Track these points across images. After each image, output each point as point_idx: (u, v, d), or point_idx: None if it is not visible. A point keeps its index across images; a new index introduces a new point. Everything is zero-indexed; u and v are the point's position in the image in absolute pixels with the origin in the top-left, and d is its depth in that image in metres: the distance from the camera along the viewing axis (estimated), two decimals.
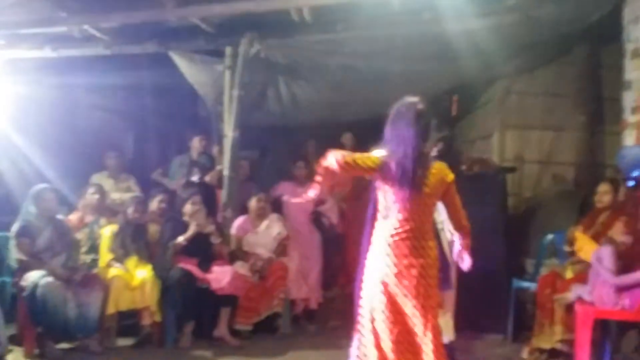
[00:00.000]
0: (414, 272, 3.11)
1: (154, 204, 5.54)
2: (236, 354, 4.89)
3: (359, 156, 3.16)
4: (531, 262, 5.63)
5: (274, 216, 5.77)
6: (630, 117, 5.21)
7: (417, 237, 3.15)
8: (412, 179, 3.10)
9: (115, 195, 6.04)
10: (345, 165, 3.10)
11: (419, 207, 3.15)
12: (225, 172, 5.87)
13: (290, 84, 6.26)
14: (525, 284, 5.32)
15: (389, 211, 3.17)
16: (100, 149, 6.46)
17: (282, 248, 5.70)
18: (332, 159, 3.12)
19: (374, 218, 3.27)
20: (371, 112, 6.20)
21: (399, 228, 3.14)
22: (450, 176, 3.23)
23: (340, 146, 6.62)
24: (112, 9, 5.48)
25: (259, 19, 5.61)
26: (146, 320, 5.01)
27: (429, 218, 3.23)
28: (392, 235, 3.15)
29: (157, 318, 5.02)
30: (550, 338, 4.71)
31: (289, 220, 5.84)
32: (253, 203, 5.72)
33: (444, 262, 4.10)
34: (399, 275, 3.12)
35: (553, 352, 4.72)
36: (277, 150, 7.10)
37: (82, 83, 6.56)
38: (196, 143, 6.38)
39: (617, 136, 5.48)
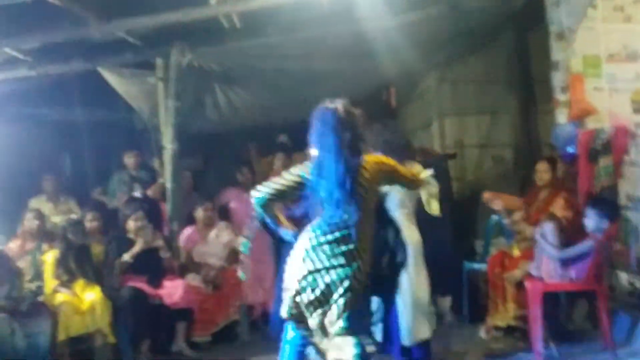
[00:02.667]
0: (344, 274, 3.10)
1: (87, 224, 5.40)
2: None
3: (280, 185, 3.21)
4: (480, 243, 5.76)
5: (222, 224, 5.70)
6: (560, 96, 5.39)
7: (355, 240, 3.13)
8: (342, 186, 3.10)
9: (56, 219, 5.85)
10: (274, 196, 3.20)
11: (358, 211, 3.13)
12: (168, 185, 5.76)
13: (226, 90, 6.21)
14: (476, 265, 5.44)
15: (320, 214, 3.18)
16: (36, 176, 6.25)
17: (234, 255, 5.63)
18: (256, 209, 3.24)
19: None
20: (308, 113, 6.25)
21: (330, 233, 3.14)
22: (383, 160, 3.31)
23: (280, 147, 6.64)
24: (32, 29, 5.28)
25: (187, 27, 5.53)
26: (99, 343, 4.86)
27: (369, 220, 3.22)
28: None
29: (111, 339, 4.88)
30: (504, 315, 4.83)
31: (238, 227, 5.77)
32: (200, 213, 5.64)
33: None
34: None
35: (509, 329, 4.84)
36: (220, 157, 7.03)
37: (11, 115, 6.31)
38: (129, 159, 6.25)
39: (550, 115, 5.67)
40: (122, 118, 6.83)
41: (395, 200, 4.13)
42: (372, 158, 3.30)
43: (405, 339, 4.05)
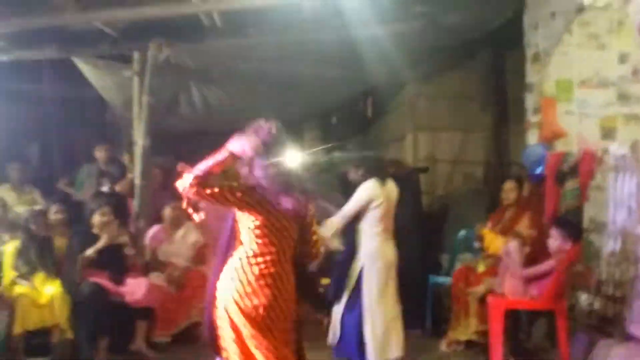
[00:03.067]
0: None
1: (51, 216, 5.29)
2: None
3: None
4: (446, 257, 5.80)
5: (189, 224, 5.64)
6: (532, 118, 5.48)
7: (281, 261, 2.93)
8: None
9: (19, 209, 5.73)
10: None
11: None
12: (137, 181, 5.69)
13: (202, 89, 6.18)
14: (441, 279, 5.48)
15: None
16: (2, 161, 6.11)
17: (200, 256, 5.57)
18: None
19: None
20: (283, 116, 6.23)
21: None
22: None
23: None
24: (7, 13, 5.19)
25: (167, 22, 5.49)
26: (57, 338, 4.77)
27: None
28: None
29: (69, 335, 4.78)
30: (466, 330, 4.88)
31: (205, 228, 5.72)
32: (168, 212, 5.57)
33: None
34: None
35: (469, 343, 4.88)
36: (193, 157, 6.94)
37: None
38: (99, 152, 6.15)
39: (522, 135, 5.75)
40: (93, 109, 6.73)
41: (373, 218, 4.19)
42: None
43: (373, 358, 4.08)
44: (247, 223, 2.89)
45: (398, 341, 4.24)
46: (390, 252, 4.30)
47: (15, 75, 5.97)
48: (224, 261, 2.97)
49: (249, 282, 2.84)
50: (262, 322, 2.84)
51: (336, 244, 4.48)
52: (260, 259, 2.86)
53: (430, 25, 5.46)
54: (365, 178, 4.28)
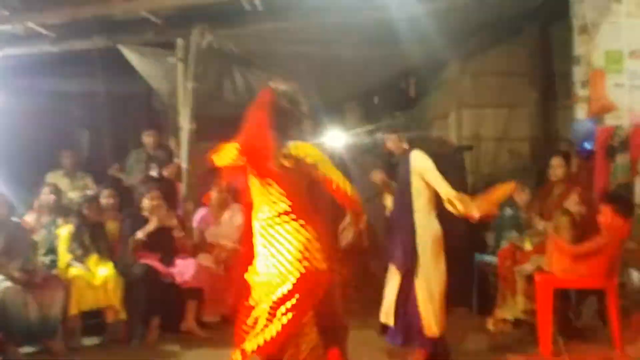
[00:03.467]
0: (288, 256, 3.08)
1: (103, 200, 5.46)
2: (205, 346, 4.85)
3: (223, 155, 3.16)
4: (492, 236, 5.73)
5: (236, 206, 5.72)
6: (580, 91, 5.35)
7: (291, 219, 3.09)
8: (262, 163, 3.07)
9: (73, 194, 5.92)
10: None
11: (286, 189, 3.11)
12: (183, 165, 5.80)
13: (245, 74, 6.23)
14: (487, 258, 5.43)
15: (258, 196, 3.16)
16: (55, 149, 6.31)
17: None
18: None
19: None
20: (325, 98, 6.25)
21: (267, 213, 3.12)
22: (312, 157, 3.16)
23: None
24: (56, 4, 5.34)
25: (209, 8, 5.55)
26: (110, 319, 4.93)
27: (299, 198, 3.15)
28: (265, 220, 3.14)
29: (122, 316, 4.94)
30: (513, 309, 4.82)
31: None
32: (214, 194, 5.67)
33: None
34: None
35: (517, 322, 4.83)
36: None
37: (32, 87, 6.37)
38: (147, 138, 6.29)
39: (569, 110, 5.62)
40: (140, 96, 6.88)
41: (425, 188, 4.14)
42: (302, 146, 3.19)
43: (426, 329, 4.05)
44: None
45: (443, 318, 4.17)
46: (433, 223, 4.22)
47: (67, 67, 6.13)
48: None
49: None
50: None
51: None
52: None
53: (474, 1, 5.36)
54: (410, 148, 4.21)
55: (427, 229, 4.15)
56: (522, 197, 5.19)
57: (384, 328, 4.35)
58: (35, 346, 4.76)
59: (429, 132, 6.82)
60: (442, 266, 4.15)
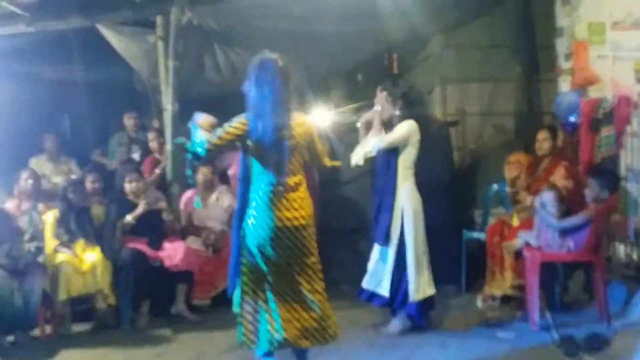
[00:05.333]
0: (291, 224, 3.28)
1: (87, 185, 5.39)
2: (196, 329, 4.86)
3: (224, 132, 3.33)
4: (479, 212, 5.78)
5: (222, 188, 5.68)
6: (564, 64, 5.35)
7: (291, 190, 3.29)
8: (273, 135, 3.25)
9: (57, 179, 5.82)
10: (215, 148, 3.32)
11: (290, 162, 3.32)
12: (168, 147, 5.72)
13: (227, 51, 6.12)
14: (475, 234, 5.47)
15: (263, 169, 3.31)
16: (35, 134, 6.19)
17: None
18: (199, 148, 3.31)
19: (245, 179, 3.40)
20: (310, 75, 6.18)
21: (272, 184, 3.28)
22: (311, 125, 3.47)
23: None
24: None
25: None
26: (100, 304, 4.90)
27: (300, 170, 3.39)
28: (267, 192, 3.28)
29: (112, 301, 4.92)
30: (501, 284, 4.87)
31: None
32: (200, 176, 5.61)
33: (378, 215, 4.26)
34: (279, 230, 3.28)
35: (505, 298, 4.89)
36: (221, 120, 6.94)
37: (10, 72, 6.19)
38: (128, 120, 6.18)
39: (553, 83, 5.62)
40: (121, 78, 6.74)
41: (409, 157, 4.28)
42: (302, 118, 3.44)
43: (413, 295, 4.19)
44: None
45: (430, 278, 4.34)
46: (419, 198, 4.33)
47: (45, 50, 5.97)
48: None
49: None
50: None
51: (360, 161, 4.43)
52: None
53: None
54: (404, 115, 4.29)
55: (410, 198, 4.27)
56: (512, 169, 5.20)
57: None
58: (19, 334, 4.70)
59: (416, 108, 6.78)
60: (422, 233, 4.33)
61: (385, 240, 4.27)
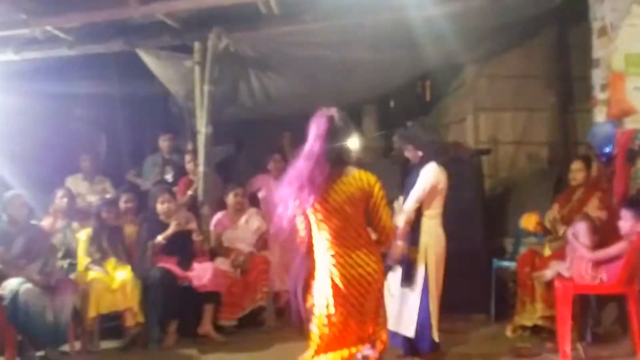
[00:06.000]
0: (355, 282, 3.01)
1: (121, 204, 5.49)
2: (222, 350, 4.86)
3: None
4: (510, 241, 5.70)
5: (252, 210, 5.74)
6: (600, 95, 5.28)
7: (347, 250, 3.01)
8: (314, 193, 2.95)
9: (91, 198, 5.96)
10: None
11: (339, 221, 3.00)
12: (201, 169, 5.81)
13: (261, 77, 6.23)
14: (506, 264, 5.39)
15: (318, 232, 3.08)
16: (73, 153, 6.35)
17: (262, 242, 5.67)
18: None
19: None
20: (343, 102, 6.22)
21: (328, 244, 3.04)
22: (371, 184, 3.00)
23: None
24: (74, 8, 5.36)
25: (226, 12, 5.56)
26: (129, 322, 4.95)
27: (353, 228, 3.02)
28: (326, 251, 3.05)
29: (140, 319, 4.97)
30: (532, 315, 4.78)
31: (268, 214, 5.81)
32: (230, 198, 5.68)
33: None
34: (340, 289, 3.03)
35: (535, 329, 4.79)
36: (253, 144, 7.06)
37: (49, 90, 6.41)
38: (163, 142, 6.30)
39: (588, 114, 5.56)
40: (157, 100, 6.90)
41: (436, 201, 4.18)
42: (363, 174, 3.03)
43: (436, 335, 4.10)
44: None
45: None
46: (444, 237, 4.24)
47: (84, 71, 6.17)
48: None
49: None
50: None
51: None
52: None
53: (490, 3, 5.33)
54: (424, 160, 4.23)
55: (434, 236, 4.16)
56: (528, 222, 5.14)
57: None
58: (49, 349, 4.75)
59: (444, 136, 6.77)
60: (441, 275, 4.20)
61: (409, 282, 4.16)
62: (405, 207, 4.15)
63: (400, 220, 4.10)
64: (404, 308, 4.21)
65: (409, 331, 4.16)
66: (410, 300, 4.18)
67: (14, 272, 4.70)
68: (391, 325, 4.18)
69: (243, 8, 5.47)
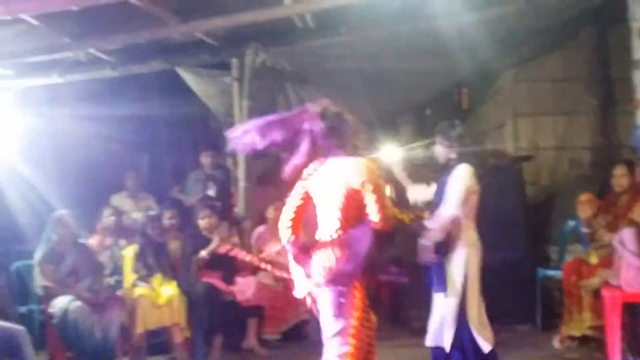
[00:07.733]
0: None
1: (165, 221, 5.60)
2: None
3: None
4: (555, 249, 5.61)
5: None
6: None
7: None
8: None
9: (136, 215, 6.09)
10: None
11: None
12: (241, 184, 5.89)
13: (299, 90, 6.29)
14: (551, 272, 5.31)
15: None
16: (116, 172, 6.51)
17: None
18: None
19: None
20: (378, 112, 6.25)
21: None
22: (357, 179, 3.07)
23: None
24: (115, 30, 5.51)
25: (262, 28, 5.64)
26: (177, 338, 5.00)
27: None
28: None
29: (187, 334, 5.04)
30: (579, 325, 4.70)
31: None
32: (271, 212, 5.73)
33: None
34: None
35: (584, 339, 4.70)
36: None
37: (93, 114, 6.57)
38: (205, 159, 6.41)
39: (631, 116, 5.44)
40: (198, 117, 7.02)
41: (470, 205, 4.04)
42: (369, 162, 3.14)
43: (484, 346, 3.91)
44: None
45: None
46: (473, 236, 4.01)
47: (126, 91, 6.32)
48: None
49: None
50: None
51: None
52: None
53: (527, 6, 5.27)
54: (459, 160, 4.05)
55: (469, 242, 3.98)
56: (585, 208, 5.03)
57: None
58: None
59: (483, 143, 6.67)
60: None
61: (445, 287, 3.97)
62: (445, 212, 3.91)
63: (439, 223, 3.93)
64: (443, 321, 4.03)
65: (447, 344, 4.00)
66: (447, 312, 3.98)
67: (63, 290, 4.84)
68: (431, 341, 4.10)
69: (279, 23, 5.55)
